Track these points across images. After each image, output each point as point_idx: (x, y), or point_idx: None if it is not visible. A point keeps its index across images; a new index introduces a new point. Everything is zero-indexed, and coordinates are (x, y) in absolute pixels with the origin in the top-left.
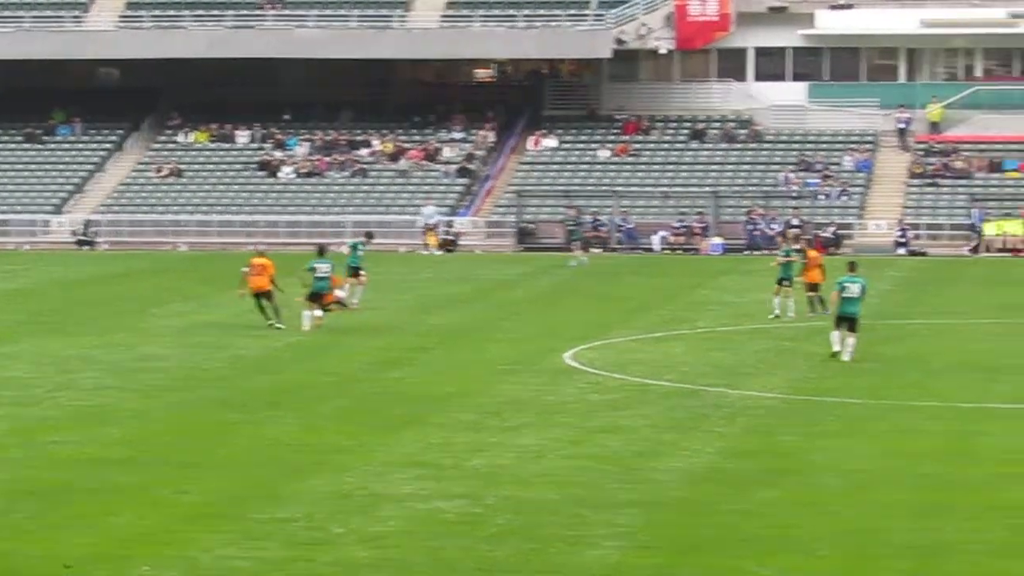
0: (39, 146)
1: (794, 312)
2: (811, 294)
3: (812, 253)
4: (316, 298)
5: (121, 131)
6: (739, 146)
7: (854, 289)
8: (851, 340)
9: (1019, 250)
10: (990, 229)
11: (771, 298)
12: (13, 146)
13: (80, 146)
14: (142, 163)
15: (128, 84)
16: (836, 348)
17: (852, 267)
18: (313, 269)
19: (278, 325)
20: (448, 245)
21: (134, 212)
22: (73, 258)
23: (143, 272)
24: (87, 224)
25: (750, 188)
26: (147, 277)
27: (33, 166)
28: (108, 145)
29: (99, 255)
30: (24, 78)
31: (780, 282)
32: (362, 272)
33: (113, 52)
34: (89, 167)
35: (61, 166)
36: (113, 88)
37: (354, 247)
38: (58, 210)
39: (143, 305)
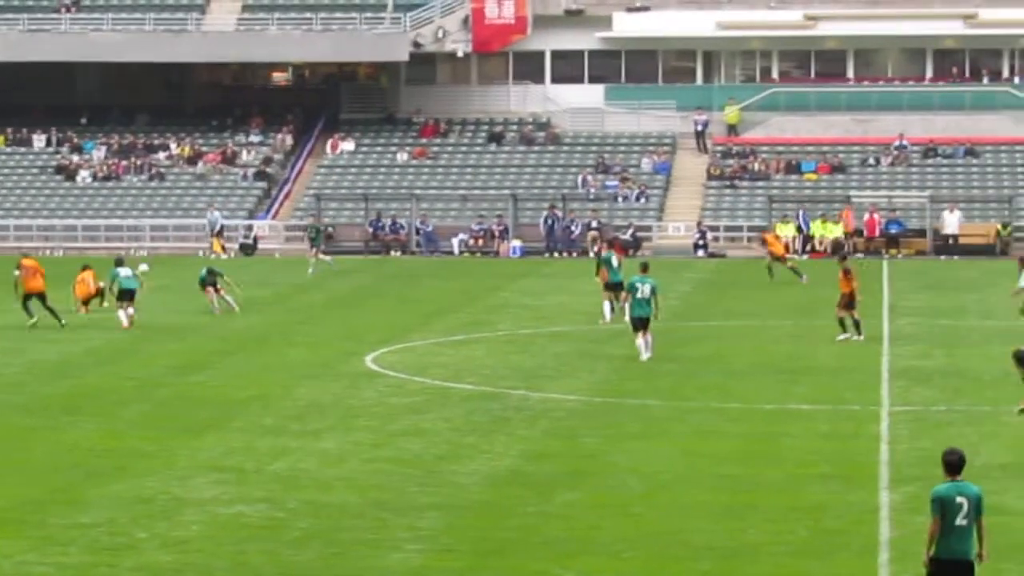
0: None
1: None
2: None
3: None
4: (126, 296)
5: None
6: (537, 148)
7: (645, 290)
8: (648, 338)
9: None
10: (816, 230)
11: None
12: None
13: None
14: None
15: None
16: (644, 356)
17: (644, 268)
18: (116, 276)
19: (63, 322)
20: (246, 249)
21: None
22: None
23: None
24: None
25: (549, 191)
26: None
27: None
28: None
29: None
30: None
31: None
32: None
33: None
34: None
35: None
36: None
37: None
38: None
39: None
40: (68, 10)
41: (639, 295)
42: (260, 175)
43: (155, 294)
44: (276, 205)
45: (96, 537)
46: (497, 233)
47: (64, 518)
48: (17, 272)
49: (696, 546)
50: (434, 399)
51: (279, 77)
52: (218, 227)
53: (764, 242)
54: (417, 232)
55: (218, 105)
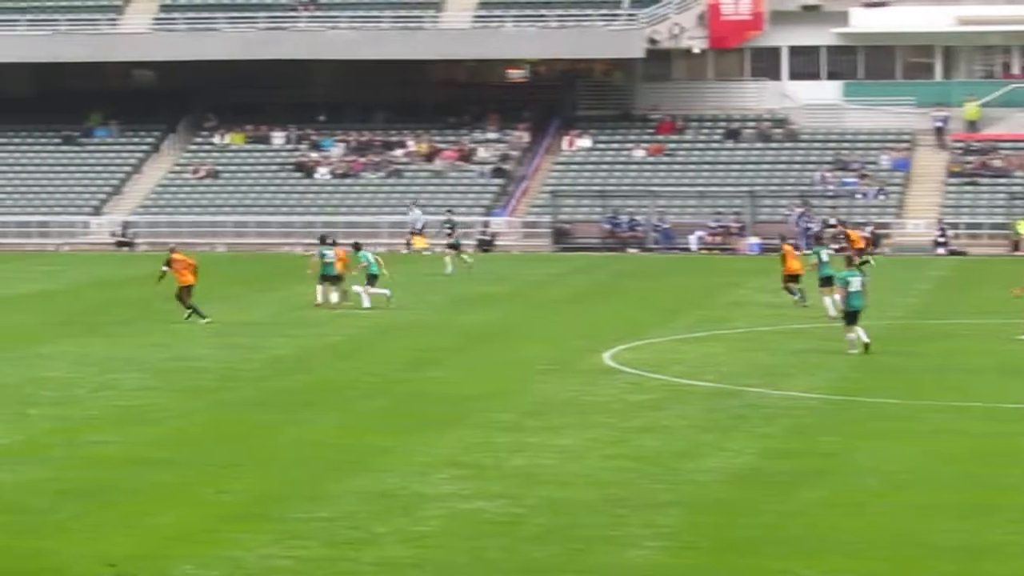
0: (76, 148)
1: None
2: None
3: (787, 247)
4: (330, 279)
5: (158, 133)
6: (774, 145)
7: (857, 283)
8: (860, 330)
9: None
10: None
11: (822, 299)
12: (51, 148)
13: (117, 148)
14: (179, 164)
15: (163, 86)
16: (855, 348)
17: (849, 262)
18: (323, 255)
19: (204, 320)
20: (484, 245)
21: (172, 213)
22: (112, 259)
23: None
24: (125, 225)
25: (786, 188)
26: None
27: (72, 168)
28: (145, 147)
29: (138, 256)
30: (60, 80)
31: (823, 282)
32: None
33: (147, 54)
34: (127, 169)
35: (99, 168)
36: (149, 90)
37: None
38: (97, 211)
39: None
40: (305, 8)
41: (852, 288)
42: (497, 172)
43: (393, 290)
44: (513, 202)
45: (336, 531)
46: (735, 230)
47: (304, 512)
48: (165, 268)
49: (939, 546)
50: (672, 396)
51: (515, 74)
52: (420, 225)
53: (847, 236)
54: (654, 229)
55: (454, 102)
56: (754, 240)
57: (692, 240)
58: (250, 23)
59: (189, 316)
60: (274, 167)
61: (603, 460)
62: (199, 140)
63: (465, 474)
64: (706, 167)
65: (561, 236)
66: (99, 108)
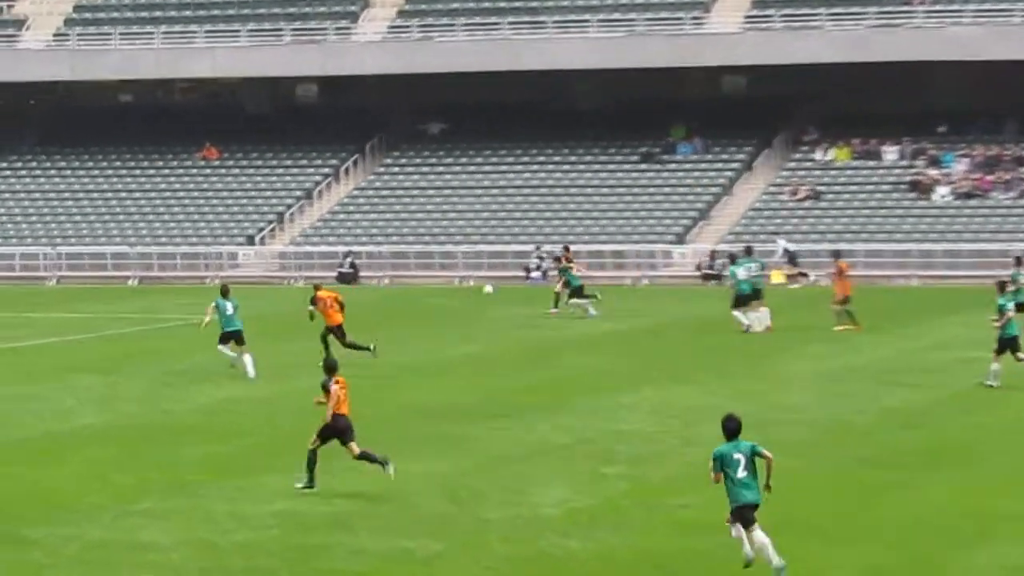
0: (657, 167)
1: None
2: None
3: None
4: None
5: (750, 148)
6: None
7: None
8: None
9: None
10: None
11: None
12: (628, 167)
13: (703, 166)
14: (774, 185)
15: (756, 94)
16: None
17: None
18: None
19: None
20: None
21: (765, 241)
22: (697, 294)
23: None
24: (713, 255)
25: None
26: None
27: (652, 189)
28: (735, 164)
29: (723, 290)
30: (640, 89)
31: None
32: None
33: (738, 58)
34: (714, 190)
35: (683, 189)
36: (739, 99)
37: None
38: (680, 239)
39: (771, 348)
40: (921, 2)
41: None
42: None
43: None
44: None
45: None
46: None
47: None
48: (312, 307)
49: None
50: None
51: None
52: (779, 255)
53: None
54: None
55: None
56: None
57: None
58: (857, 20)
59: (370, 349)
60: (885, 187)
61: None
62: (798, 156)
63: None
64: None
65: None
66: (681, 121)
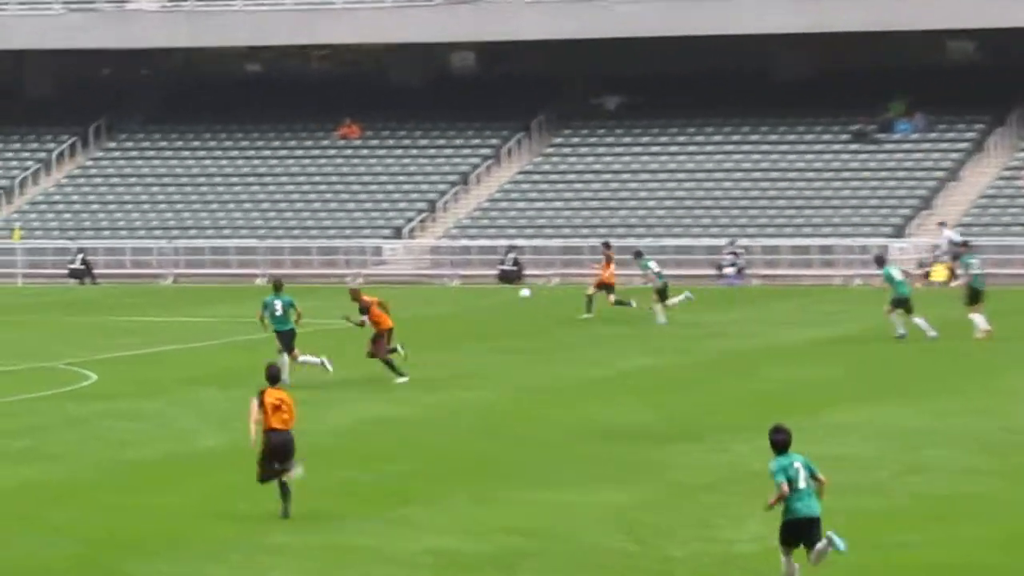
0: (872, 147)
1: None
2: None
3: None
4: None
5: (981, 126)
6: None
7: None
8: None
9: None
10: None
11: None
12: (837, 148)
13: (926, 147)
14: (1009, 168)
15: (988, 62)
16: None
17: None
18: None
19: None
20: None
21: (1000, 234)
22: (915, 296)
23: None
24: (935, 249)
25: None
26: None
27: (866, 174)
28: (963, 145)
29: (949, 292)
30: (851, 57)
31: None
32: None
33: (965, 19)
34: (939, 175)
35: (901, 174)
36: (968, 68)
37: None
38: (899, 232)
39: (1007, 358)
40: None
41: None
42: None
43: None
44: None
45: None
46: None
47: None
48: (364, 318)
49: None
50: None
51: None
52: (942, 249)
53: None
54: None
55: None
56: None
57: None
58: None
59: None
60: None
61: None
62: None
63: None
64: None
65: None
66: (899, 94)
